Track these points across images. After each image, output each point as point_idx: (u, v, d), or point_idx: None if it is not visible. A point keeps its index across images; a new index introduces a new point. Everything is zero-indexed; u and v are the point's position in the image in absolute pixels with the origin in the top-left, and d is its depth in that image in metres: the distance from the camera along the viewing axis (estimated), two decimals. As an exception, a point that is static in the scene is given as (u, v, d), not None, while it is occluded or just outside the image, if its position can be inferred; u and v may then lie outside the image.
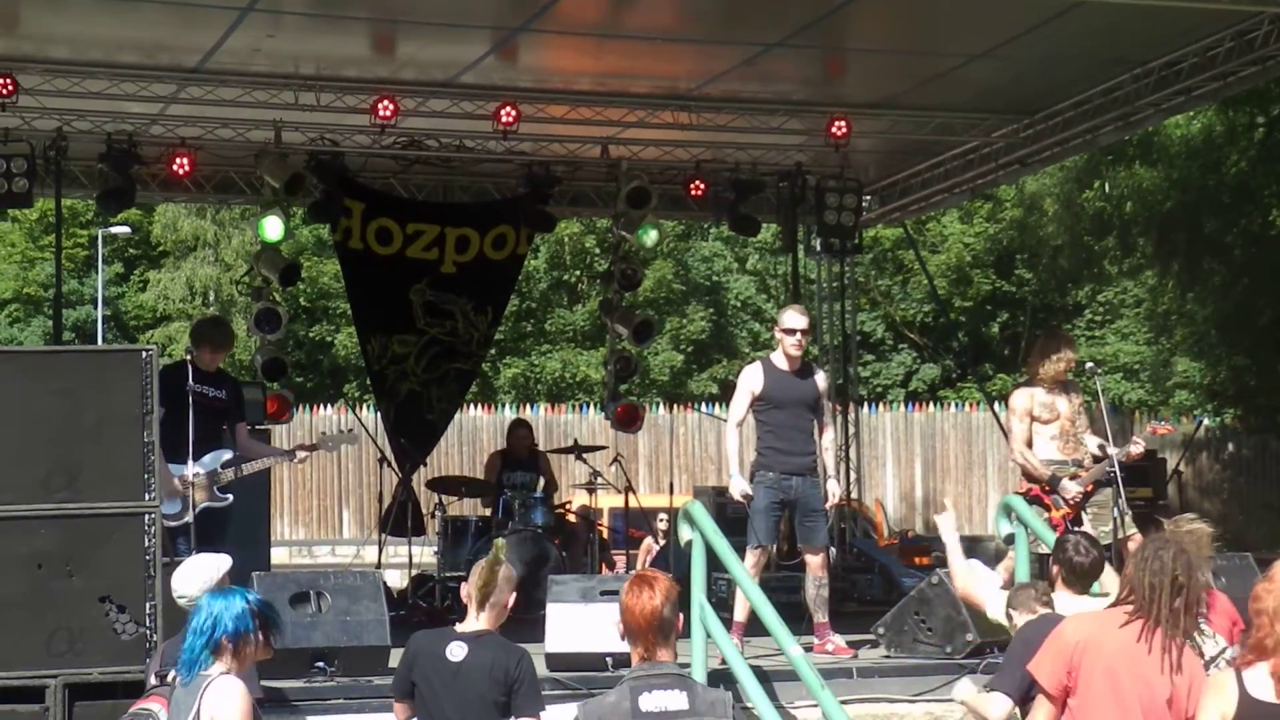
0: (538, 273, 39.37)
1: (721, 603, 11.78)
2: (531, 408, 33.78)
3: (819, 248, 19.61)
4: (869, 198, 19.73)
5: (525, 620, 13.54)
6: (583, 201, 19.63)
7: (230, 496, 11.53)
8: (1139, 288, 34.81)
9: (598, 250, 37.99)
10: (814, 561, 11.64)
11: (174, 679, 7.53)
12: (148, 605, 8.99)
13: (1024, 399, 11.92)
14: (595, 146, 17.37)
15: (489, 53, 14.82)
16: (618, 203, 18.04)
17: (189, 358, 11.22)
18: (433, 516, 16.26)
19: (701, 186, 17.98)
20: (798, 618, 11.53)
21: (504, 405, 34.98)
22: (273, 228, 16.49)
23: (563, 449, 18.11)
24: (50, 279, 35.55)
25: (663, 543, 18.84)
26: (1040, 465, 11.69)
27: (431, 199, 18.54)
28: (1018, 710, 7.23)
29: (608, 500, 19.66)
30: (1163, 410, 34.36)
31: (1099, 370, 12.51)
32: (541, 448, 17.32)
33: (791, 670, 9.61)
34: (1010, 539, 10.92)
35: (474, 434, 31.37)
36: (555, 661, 10.51)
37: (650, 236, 18.86)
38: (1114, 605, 6.44)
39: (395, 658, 8.56)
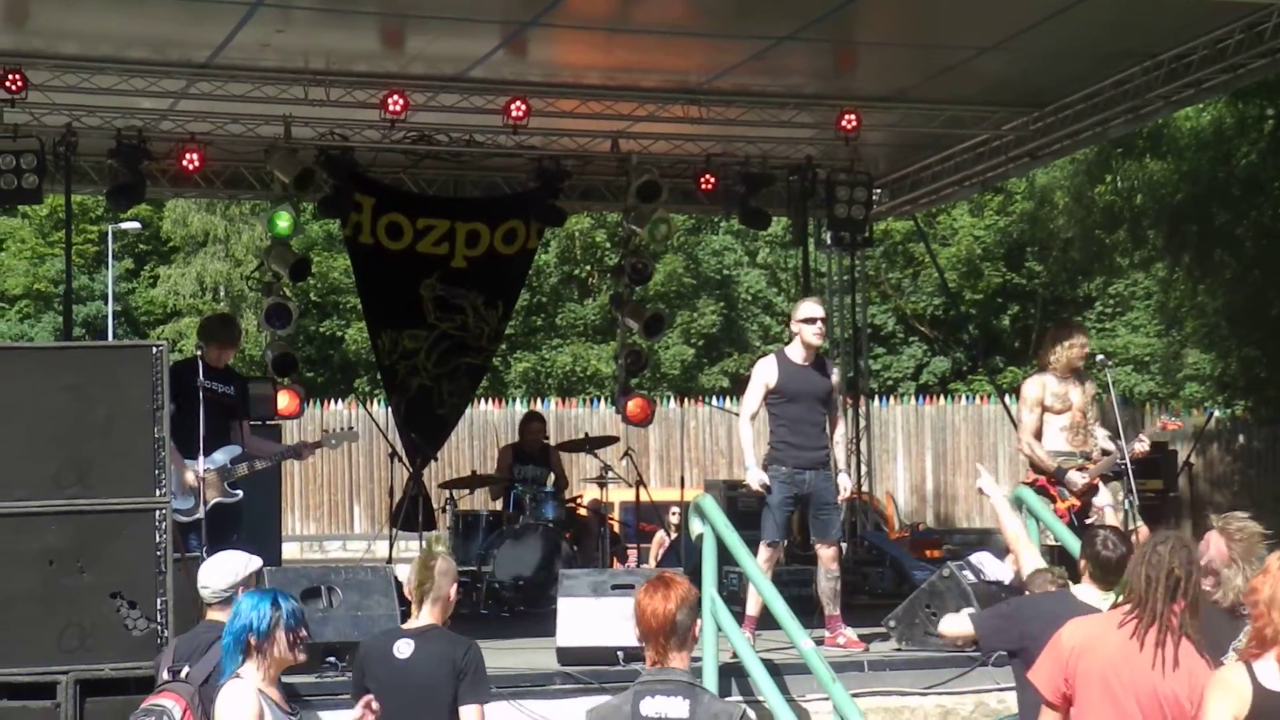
0: (548, 267, 39.35)
1: (732, 596, 11.76)
2: (542, 402, 33.75)
3: (829, 241, 19.56)
4: (879, 191, 19.72)
5: (536, 615, 13.63)
6: (593, 196, 19.65)
7: (240, 493, 11.54)
8: (1149, 280, 34.78)
9: (608, 244, 37.99)
10: (826, 554, 11.63)
11: (186, 674, 7.56)
12: (159, 601, 8.99)
13: (1036, 388, 11.85)
14: (605, 141, 17.37)
15: (499, 47, 14.83)
16: (628, 197, 18.02)
17: (200, 354, 11.25)
18: (443, 511, 16.27)
19: (712, 180, 17.95)
20: (809, 611, 11.53)
21: (515, 399, 34.99)
22: (285, 222, 16.55)
23: (573, 441, 18.09)
24: (60, 275, 35.55)
25: (674, 535, 18.84)
26: (1046, 457, 11.67)
27: (442, 194, 18.55)
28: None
29: (618, 494, 19.66)
30: (1173, 403, 34.33)
31: (1110, 363, 12.48)
32: (552, 442, 17.33)
33: (803, 663, 9.62)
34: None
35: (484, 429, 31.35)
36: (566, 656, 10.50)
37: (661, 230, 18.88)
38: (1114, 605, 6.31)
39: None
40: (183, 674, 7.59)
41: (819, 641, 10.33)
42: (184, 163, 16.22)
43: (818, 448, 11.64)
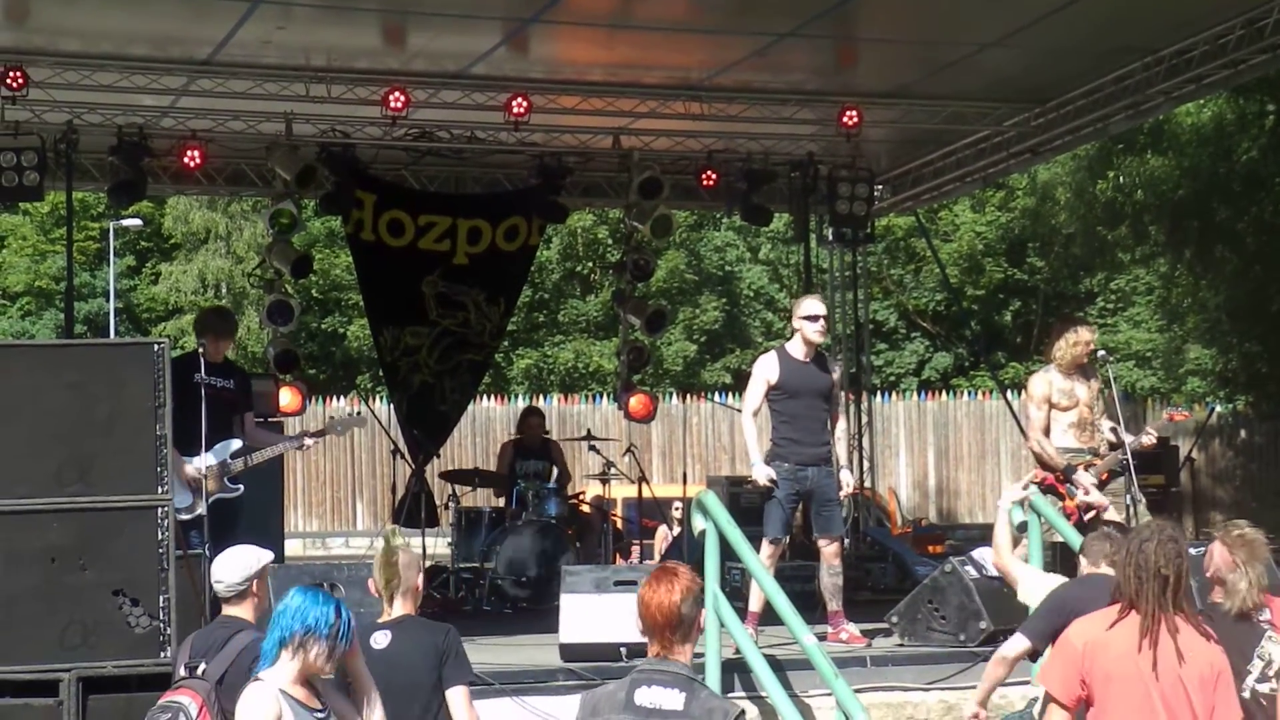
0: (550, 263, 39.36)
1: (735, 592, 11.77)
2: (544, 398, 33.78)
3: (831, 237, 19.59)
4: (881, 187, 19.73)
5: (539, 611, 13.64)
6: (595, 192, 19.63)
7: (241, 487, 11.52)
8: (1151, 275, 34.76)
9: (610, 241, 37.98)
10: (829, 550, 11.64)
11: (203, 671, 7.53)
12: (161, 598, 8.98)
13: (1042, 385, 11.78)
14: (607, 137, 17.37)
15: (500, 44, 14.82)
16: (630, 193, 18.02)
17: (200, 349, 11.25)
18: (446, 508, 16.27)
19: (713, 176, 17.95)
20: (811, 607, 11.54)
21: (517, 396, 35.01)
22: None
23: (576, 439, 18.10)
24: (62, 272, 35.62)
25: (677, 531, 18.84)
26: (1056, 455, 11.63)
27: (443, 190, 18.55)
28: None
29: (621, 491, 19.68)
30: (1175, 397, 34.33)
31: (1111, 358, 12.46)
32: (553, 436, 17.33)
33: (805, 659, 9.62)
34: (1023, 527, 10.90)
35: (487, 425, 31.38)
36: (569, 652, 10.52)
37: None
38: (1111, 602, 6.25)
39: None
40: (199, 670, 7.57)
41: (821, 637, 10.33)
42: (185, 160, 16.21)
43: (819, 444, 11.66)
